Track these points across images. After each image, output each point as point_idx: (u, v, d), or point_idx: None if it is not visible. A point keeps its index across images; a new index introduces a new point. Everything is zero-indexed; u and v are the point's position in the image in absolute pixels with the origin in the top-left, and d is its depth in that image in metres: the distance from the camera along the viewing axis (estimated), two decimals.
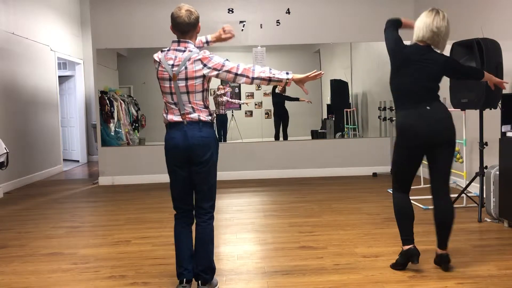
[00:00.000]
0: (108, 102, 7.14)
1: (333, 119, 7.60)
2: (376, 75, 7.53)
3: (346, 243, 3.68)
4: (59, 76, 8.88)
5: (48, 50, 8.11)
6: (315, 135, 7.65)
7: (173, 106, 2.68)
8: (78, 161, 9.85)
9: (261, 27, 7.06)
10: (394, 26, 3.19)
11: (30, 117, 7.39)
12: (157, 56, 2.72)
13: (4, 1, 6.68)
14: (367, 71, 7.60)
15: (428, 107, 2.96)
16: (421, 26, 2.98)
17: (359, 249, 3.51)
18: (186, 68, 2.63)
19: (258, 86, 7.52)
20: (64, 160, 9.11)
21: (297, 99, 7.48)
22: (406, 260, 3.03)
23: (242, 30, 7.04)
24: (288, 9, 7.07)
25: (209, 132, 2.71)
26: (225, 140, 7.42)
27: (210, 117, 2.73)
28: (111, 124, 7.17)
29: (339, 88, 7.56)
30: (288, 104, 7.55)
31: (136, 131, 7.61)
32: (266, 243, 3.75)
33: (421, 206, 4.82)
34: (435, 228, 3.07)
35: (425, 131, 2.93)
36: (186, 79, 2.64)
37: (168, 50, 2.71)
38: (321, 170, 7.17)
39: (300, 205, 5.14)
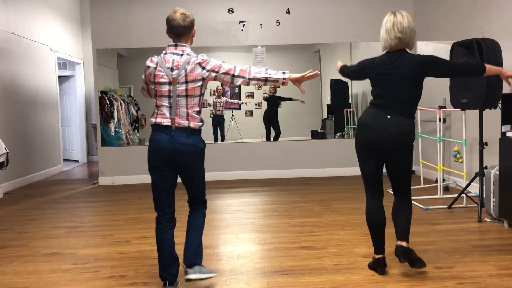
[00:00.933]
0: (108, 102, 7.14)
1: (333, 119, 7.60)
2: None
3: (346, 243, 3.68)
4: (59, 76, 8.89)
5: (48, 50, 8.12)
6: (315, 135, 7.65)
7: (165, 110, 2.68)
8: (78, 161, 9.85)
9: (261, 27, 7.06)
10: (346, 69, 3.31)
11: (30, 117, 7.39)
12: (152, 60, 2.73)
13: (4, 1, 6.68)
14: None
15: (388, 116, 2.87)
16: (385, 36, 2.95)
17: (359, 249, 3.51)
18: (186, 71, 2.64)
19: (258, 86, 7.51)
20: (64, 160, 9.11)
21: (290, 99, 7.49)
22: (375, 268, 3.04)
23: (242, 30, 7.04)
24: (288, 9, 7.07)
25: (197, 139, 2.72)
26: (222, 140, 7.41)
27: (200, 124, 2.73)
28: (111, 124, 7.17)
29: (339, 88, 7.57)
30: (288, 104, 7.56)
31: (136, 131, 7.62)
32: (266, 243, 3.75)
33: (421, 206, 4.82)
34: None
35: (377, 137, 2.91)
36: (186, 82, 2.65)
37: (165, 54, 2.72)
38: (321, 170, 7.17)
39: (300, 205, 5.14)
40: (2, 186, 6.32)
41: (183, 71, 2.64)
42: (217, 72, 2.67)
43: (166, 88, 2.67)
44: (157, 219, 2.80)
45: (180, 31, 2.70)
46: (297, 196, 5.66)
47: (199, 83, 2.67)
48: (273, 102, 7.56)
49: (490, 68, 2.93)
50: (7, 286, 3.00)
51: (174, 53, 2.70)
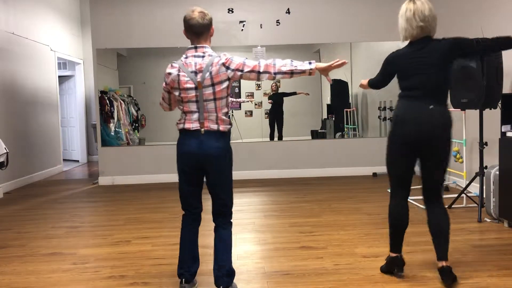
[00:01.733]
0: (108, 102, 7.14)
1: (333, 119, 7.60)
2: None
3: (346, 243, 3.68)
4: (59, 76, 8.89)
5: (48, 50, 8.12)
6: (315, 135, 7.64)
7: (193, 115, 2.60)
8: (78, 161, 9.85)
9: (261, 27, 7.06)
10: (372, 80, 3.15)
11: (30, 117, 7.39)
12: (173, 66, 2.63)
13: (4, 1, 6.68)
14: (367, 71, 7.59)
15: (431, 106, 2.73)
16: (405, 25, 2.76)
17: (359, 249, 3.51)
18: (210, 73, 2.55)
19: (258, 86, 7.52)
20: (64, 160, 9.11)
21: (294, 93, 7.49)
22: (391, 268, 2.97)
23: (242, 30, 7.04)
24: (288, 9, 7.07)
25: (226, 142, 2.65)
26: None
27: (228, 126, 2.67)
28: (111, 124, 7.17)
29: (339, 88, 7.56)
30: (288, 104, 7.56)
31: (136, 131, 7.61)
32: (266, 243, 3.75)
33: (421, 206, 4.82)
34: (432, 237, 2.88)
35: (414, 129, 2.74)
36: (213, 85, 2.56)
37: (186, 58, 2.62)
38: (321, 170, 7.17)
39: (300, 205, 5.14)
40: (2, 186, 6.32)
41: (208, 73, 2.55)
42: (242, 70, 2.58)
43: (192, 93, 2.58)
44: (183, 217, 2.82)
45: (199, 30, 2.61)
46: (297, 196, 5.66)
47: (225, 84, 2.59)
48: (276, 100, 7.56)
49: None
50: (7, 286, 3.00)
51: (195, 56, 2.60)
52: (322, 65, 2.66)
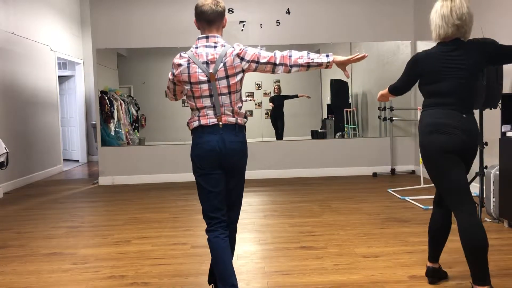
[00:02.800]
0: (108, 102, 7.14)
1: (333, 119, 7.60)
2: (376, 75, 7.53)
3: (346, 243, 3.68)
4: (59, 76, 8.89)
5: (48, 50, 8.12)
6: (315, 135, 7.64)
7: (208, 111, 2.41)
8: (78, 161, 9.85)
9: (261, 27, 7.06)
10: (393, 86, 2.80)
11: (30, 117, 7.39)
12: (181, 56, 2.44)
13: (4, 1, 6.68)
14: (367, 71, 7.60)
15: (464, 115, 2.50)
16: (440, 22, 2.51)
17: (359, 249, 3.51)
18: (225, 64, 2.37)
19: (258, 86, 7.52)
20: (64, 160, 9.11)
21: (296, 96, 7.50)
22: (429, 276, 2.85)
23: (242, 30, 7.04)
24: (288, 9, 7.07)
25: (244, 136, 2.50)
26: None
27: (245, 120, 2.53)
28: (111, 124, 7.17)
29: (339, 88, 7.56)
30: (288, 105, 7.56)
31: (136, 131, 7.62)
32: (266, 243, 3.75)
33: (421, 206, 4.82)
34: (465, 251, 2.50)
35: (460, 136, 2.49)
36: (227, 77, 2.39)
37: (196, 48, 2.42)
38: (321, 170, 7.17)
39: (300, 205, 5.14)
40: (2, 186, 6.32)
41: (221, 64, 2.37)
42: (257, 62, 2.39)
43: (205, 87, 2.39)
44: (211, 228, 2.46)
45: (211, 17, 2.40)
46: (297, 196, 5.66)
47: (240, 76, 2.42)
48: (278, 102, 7.57)
49: None
50: (7, 286, 3.00)
51: (206, 46, 2.40)
52: (340, 58, 2.42)
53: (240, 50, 2.40)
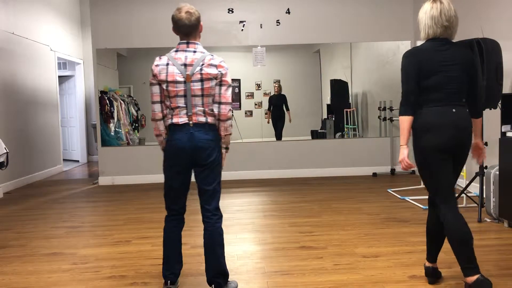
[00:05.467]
0: (108, 102, 7.14)
1: (333, 119, 7.60)
2: (376, 75, 7.53)
3: (346, 243, 3.68)
4: (59, 76, 8.89)
5: (48, 50, 8.12)
6: (315, 135, 7.65)
7: (181, 110, 2.61)
8: (78, 161, 9.85)
9: (261, 27, 7.06)
10: (403, 101, 2.69)
11: (30, 117, 7.39)
12: (160, 58, 2.64)
13: (4, 1, 6.68)
14: (367, 71, 7.60)
15: (454, 110, 2.61)
16: (430, 23, 2.64)
17: (359, 249, 3.51)
18: (201, 70, 2.57)
19: (258, 86, 7.51)
20: (64, 160, 9.11)
21: (287, 109, 7.52)
22: (425, 274, 2.89)
23: (242, 30, 7.04)
24: (288, 9, 7.06)
25: (215, 134, 2.67)
26: None
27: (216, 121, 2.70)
28: (111, 124, 7.17)
29: (339, 88, 7.57)
30: (288, 104, 7.56)
31: (136, 131, 7.61)
32: (266, 243, 3.75)
33: (421, 206, 4.82)
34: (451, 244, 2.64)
35: (452, 133, 2.59)
36: (202, 81, 2.58)
37: (176, 51, 2.63)
38: (321, 170, 7.17)
39: (300, 205, 5.14)
40: (2, 186, 6.32)
41: (198, 68, 2.57)
42: (220, 85, 2.63)
43: (181, 87, 2.58)
44: (167, 218, 2.78)
45: (187, 30, 2.61)
46: (297, 196, 5.66)
47: (214, 82, 2.60)
48: (277, 101, 7.56)
49: (479, 123, 2.75)
50: (7, 286, 3.00)
51: (186, 51, 2.61)
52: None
53: (219, 64, 2.61)
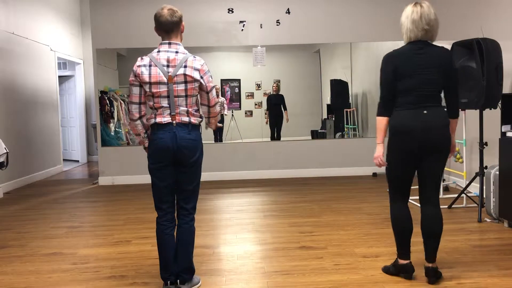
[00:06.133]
0: (108, 102, 7.14)
1: (333, 119, 7.60)
2: (376, 75, 7.50)
3: (346, 243, 3.68)
4: (59, 76, 8.89)
5: (48, 50, 8.12)
6: (315, 135, 7.64)
7: (165, 110, 2.65)
8: (78, 161, 9.85)
9: (261, 27, 7.06)
10: (381, 104, 2.89)
11: (30, 117, 7.39)
12: (142, 58, 2.68)
13: (4, 1, 6.68)
14: (367, 71, 7.60)
15: (425, 111, 2.74)
16: (411, 27, 2.78)
17: (359, 249, 3.51)
18: (185, 71, 2.62)
19: (258, 86, 7.51)
20: (64, 160, 9.11)
21: (284, 108, 7.51)
22: (398, 273, 2.96)
23: (242, 30, 7.04)
24: (288, 9, 7.06)
25: (197, 134, 2.73)
26: (221, 140, 7.41)
27: (200, 119, 2.75)
28: (111, 124, 7.17)
29: (339, 88, 7.56)
30: (288, 105, 7.55)
31: None
32: (266, 243, 3.75)
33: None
34: (423, 238, 2.88)
35: (420, 136, 2.73)
36: (186, 82, 2.64)
37: (158, 52, 2.68)
38: (321, 170, 7.17)
39: (300, 205, 5.14)
40: (2, 186, 6.32)
41: (182, 69, 2.62)
42: (207, 92, 2.74)
43: (164, 88, 2.63)
44: (158, 219, 2.78)
45: (169, 27, 2.68)
46: (297, 196, 5.66)
47: (197, 84, 2.68)
48: (275, 100, 7.55)
49: (454, 123, 2.85)
50: (7, 286, 3.00)
51: (168, 51, 2.67)
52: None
53: (201, 68, 2.67)
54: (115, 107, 7.24)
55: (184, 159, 2.68)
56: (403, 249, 2.91)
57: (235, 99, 7.56)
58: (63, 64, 9.55)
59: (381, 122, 2.84)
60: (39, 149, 7.63)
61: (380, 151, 2.87)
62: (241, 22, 7.04)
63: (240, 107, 7.58)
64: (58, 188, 6.71)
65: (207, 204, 5.24)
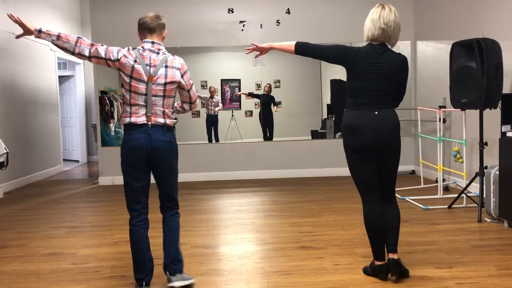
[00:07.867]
0: (108, 102, 7.14)
1: (333, 119, 7.60)
2: None
3: (346, 243, 3.68)
4: (59, 76, 8.89)
5: (48, 50, 8.12)
6: (315, 135, 7.64)
7: (140, 108, 2.67)
8: (78, 161, 9.85)
9: (261, 27, 7.06)
10: (310, 46, 2.99)
11: (30, 117, 7.39)
12: (130, 52, 2.68)
13: (4, 1, 6.68)
14: None
15: (376, 112, 2.84)
16: (370, 25, 2.86)
17: (359, 249, 3.51)
18: (166, 73, 2.70)
19: (258, 86, 7.51)
20: (64, 160, 9.11)
21: (275, 104, 7.52)
22: (375, 275, 2.95)
23: (242, 30, 7.04)
24: (288, 9, 7.06)
25: (172, 136, 2.77)
26: (217, 140, 7.37)
27: (175, 121, 2.78)
28: (111, 124, 7.17)
29: (339, 88, 7.56)
30: (288, 104, 7.56)
31: None
32: (266, 243, 3.75)
33: (421, 206, 4.82)
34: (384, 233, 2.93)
35: (371, 135, 2.83)
36: (165, 84, 2.70)
37: (143, 50, 2.72)
38: (321, 170, 7.17)
39: (300, 205, 5.14)
40: (2, 186, 6.32)
41: (163, 69, 2.69)
42: (185, 90, 2.81)
43: (143, 86, 2.67)
44: (132, 221, 2.78)
45: (152, 25, 2.74)
46: (297, 196, 5.66)
47: (176, 85, 2.75)
48: (266, 100, 7.54)
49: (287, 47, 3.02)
50: (7, 286, 3.00)
51: (151, 50, 2.72)
52: None
53: (181, 66, 2.76)
54: (115, 107, 7.24)
55: (158, 160, 2.72)
56: (377, 249, 2.93)
57: (235, 99, 7.56)
58: (63, 64, 9.55)
59: (290, 46, 2.96)
60: (39, 149, 7.63)
61: (264, 45, 3.07)
62: (241, 22, 7.04)
63: (240, 107, 7.58)
64: (58, 188, 6.71)
65: (207, 204, 5.24)
